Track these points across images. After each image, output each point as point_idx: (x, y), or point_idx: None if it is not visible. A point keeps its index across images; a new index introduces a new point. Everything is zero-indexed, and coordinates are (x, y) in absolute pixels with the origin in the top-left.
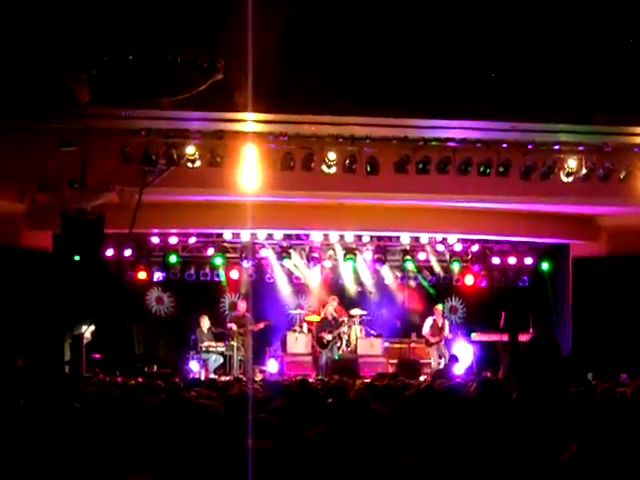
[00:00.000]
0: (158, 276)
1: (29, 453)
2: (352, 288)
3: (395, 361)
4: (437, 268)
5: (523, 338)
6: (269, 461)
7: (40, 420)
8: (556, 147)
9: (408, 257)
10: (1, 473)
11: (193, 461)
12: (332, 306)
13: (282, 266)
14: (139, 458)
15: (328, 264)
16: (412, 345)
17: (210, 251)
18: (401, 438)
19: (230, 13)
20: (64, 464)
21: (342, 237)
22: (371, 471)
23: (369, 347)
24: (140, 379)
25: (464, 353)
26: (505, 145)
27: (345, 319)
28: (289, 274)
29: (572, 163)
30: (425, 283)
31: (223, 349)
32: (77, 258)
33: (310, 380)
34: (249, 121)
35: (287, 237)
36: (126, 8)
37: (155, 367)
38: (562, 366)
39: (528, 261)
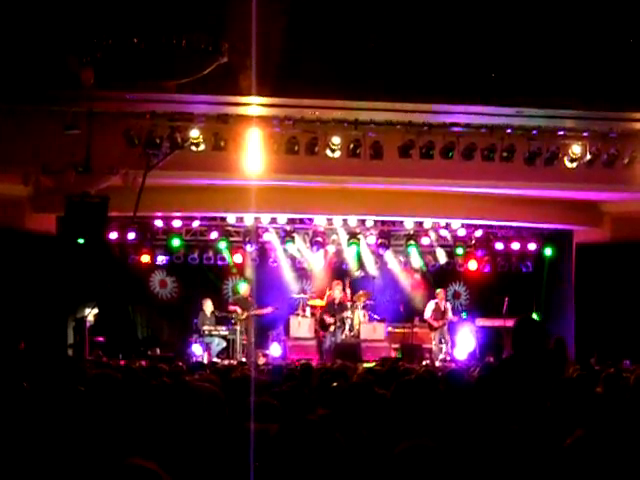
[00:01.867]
0: (162, 259)
1: (32, 436)
2: (355, 272)
3: (397, 345)
4: (440, 253)
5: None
6: (272, 444)
7: (43, 403)
8: (560, 133)
9: (412, 242)
10: (5, 456)
11: (195, 444)
12: (338, 290)
13: (285, 250)
14: (142, 441)
15: (332, 248)
16: (415, 330)
17: (214, 235)
18: (404, 421)
19: None
20: (67, 447)
21: (346, 221)
22: (374, 454)
23: (372, 332)
24: (143, 362)
25: (467, 338)
26: (509, 130)
27: (348, 304)
28: (292, 258)
29: (576, 149)
30: (423, 267)
31: (226, 333)
32: (81, 241)
33: (313, 364)
34: (253, 105)
35: (291, 221)
36: None
37: (158, 350)
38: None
39: (531, 247)
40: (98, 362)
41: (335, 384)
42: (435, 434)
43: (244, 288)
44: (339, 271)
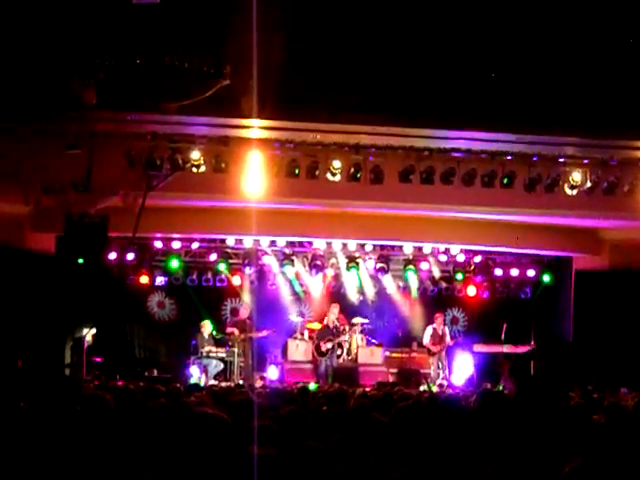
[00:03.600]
0: (160, 280)
1: (29, 454)
2: (354, 297)
3: (395, 370)
4: (439, 278)
5: (523, 350)
6: (272, 468)
7: (40, 422)
8: (561, 160)
9: (410, 267)
10: (2, 474)
11: (194, 467)
12: (333, 314)
13: (284, 273)
14: (139, 462)
15: (330, 272)
16: (413, 354)
17: (213, 257)
18: (402, 448)
19: (237, 20)
20: (64, 466)
21: (345, 245)
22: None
23: (370, 356)
24: (140, 383)
25: (464, 364)
26: (510, 157)
27: (346, 327)
28: (291, 281)
29: (577, 176)
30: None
31: (224, 355)
32: (80, 261)
33: (311, 388)
34: (254, 127)
35: (290, 244)
36: (134, 13)
37: (155, 371)
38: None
39: (530, 273)
40: (95, 382)
41: (327, 408)
42: (433, 460)
43: (243, 312)
44: (337, 295)
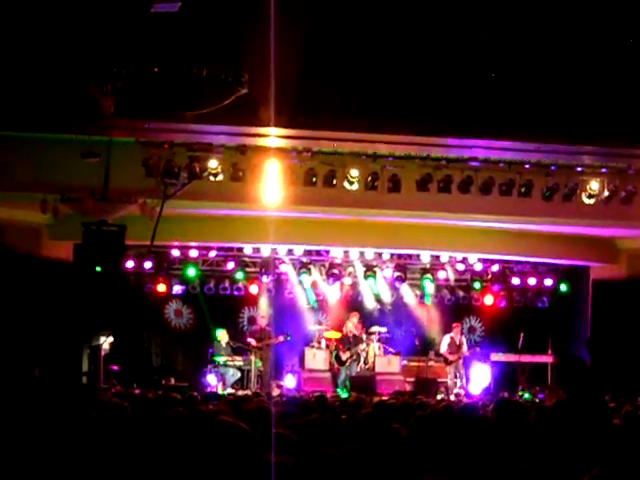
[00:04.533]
0: (177, 289)
1: (48, 461)
2: (371, 305)
3: (412, 379)
4: (456, 287)
5: (541, 359)
6: (289, 476)
7: (59, 429)
8: (579, 169)
9: (428, 275)
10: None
11: (211, 475)
12: (352, 322)
13: (301, 282)
14: (157, 469)
15: (348, 281)
16: (430, 363)
17: (230, 265)
18: (421, 457)
19: (254, 28)
20: (83, 473)
21: (362, 254)
22: None
23: (387, 365)
24: (158, 391)
25: (481, 373)
26: (527, 166)
27: (364, 336)
28: (308, 290)
29: (594, 185)
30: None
31: (241, 363)
32: (98, 269)
33: (328, 396)
34: (272, 136)
35: (307, 253)
36: (152, 22)
37: (172, 380)
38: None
39: (548, 282)
40: (113, 390)
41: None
42: (451, 469)
43: (260, 321)
44: (355, 304)
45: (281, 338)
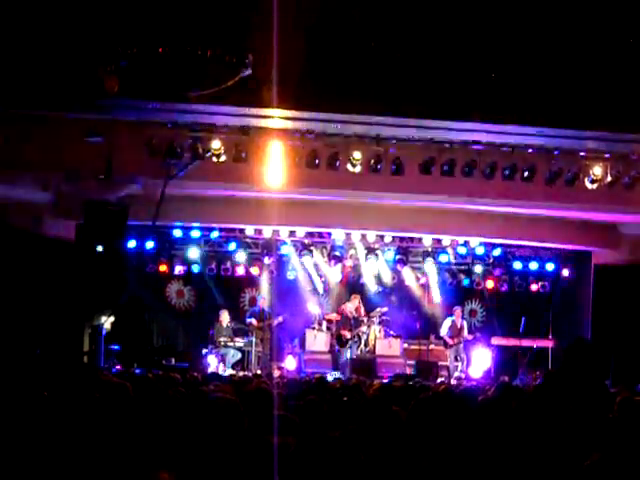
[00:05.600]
0: (179, 269)
1: (49, 442)
2: (372, 288)
3: (413, 362)
4: (458, 271)
5: (542, 344)
6: (291, 458)
7: (60, 409)
8: (582, 154)
9: (429, 259)
10: (20, 461)
11: (212, 456)
12: (353, 304)
13: (303, 264)
14: (158, 450)
15: (349, 263)
16: (431, 347)
17: (232, 246)
18: (420, 440)
19: (258, 10)
20: (82, 455)
21: (364, 237)
22: (392, 472)
23: (387, 347)
24: (158, 372)
25: (482, 357)
26: (531, 150)
27: (365, 319)
28: (310, 272)
29: (597, 170)
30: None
31: (242, 344)
32: (99, 249)
33: (328, 378)
34: (275, 117)
35: (309, 235)
36: (157, 2)
37: (173, 360)
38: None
39: (550, 267)
40: (113, 370)
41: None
42: (451, 452)
43: (261, 302)
44: (356, 286)
45: (280, 319)
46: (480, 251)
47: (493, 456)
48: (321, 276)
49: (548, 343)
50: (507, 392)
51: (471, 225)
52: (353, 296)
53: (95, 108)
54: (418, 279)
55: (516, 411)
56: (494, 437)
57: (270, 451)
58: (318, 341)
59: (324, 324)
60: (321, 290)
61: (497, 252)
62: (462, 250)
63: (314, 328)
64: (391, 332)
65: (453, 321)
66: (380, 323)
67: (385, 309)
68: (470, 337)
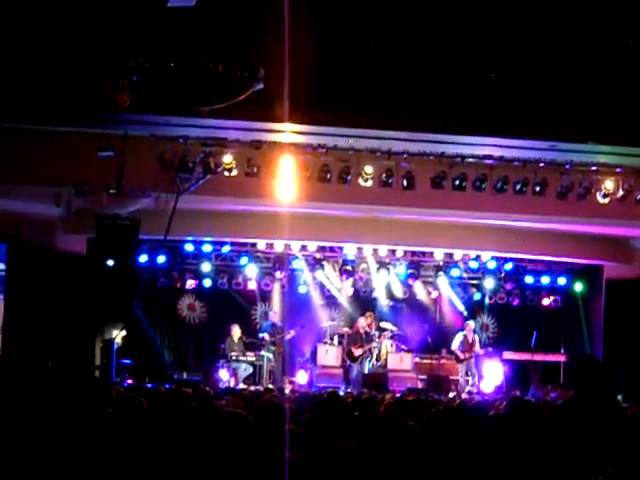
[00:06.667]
0: (191, 283)
1: (62, 455)
2: (384, 302)
3: (424, 377)
4: (469, 285)
5: (554, 358)
6: (303, 473)
7: (72, 423)
8: (593, 168)
9: (441, 273)
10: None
11: (223, 471)
12: (366, 321)
13: (314, 278)
14: (171, 465)
15: (361, 277)
16: (442, 361)
17: (243, 260)
18: (432, 454)
19: (270, 24)
20: (95, 468)
21: (376, 251)
22: None
23: (399, 362)
24: (169, 386)
25: (494, 371)
26: (542, 164)
27: (376, 333)
28: (321, 286)
29: (609, 184)
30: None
31: (253, 359)
32: (110, 263)
33: (340, 393)
34: (287, 132)
35: (321, 249)
36: (168, 16)
37: (185, 374)
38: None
39: (561, 281)
40: (125, 384)
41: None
42: (464, 467)
43: (273, 316)
44: (367, 300)
45: (292, 333)
46: (492, 265)
47: (506, 471)
48: (332, 290)
49: (560, 358)
50: (519, 407)
51: (483, 239)
52: (368, 313)
53: (107, 123)
54: (429, 293)
55: (529, 426)
56: (507, 452)
57: (281, 465)
58: (329, 355)
59: (336, 338)
60: (332, 305)
61: (509, 266)
62: (474, 264)
63: (326, 342)
64: (402, 346)
65: (465, 335)
66: (391, 337)
67: (395, 328)
68: (482, 351)
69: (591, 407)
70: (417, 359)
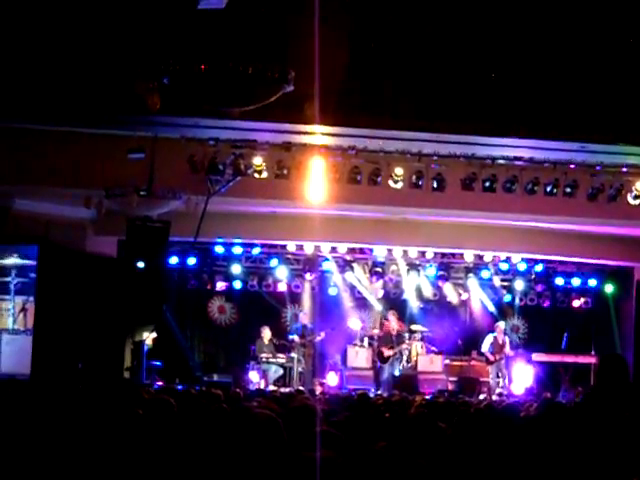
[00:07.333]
0: (221, 285)
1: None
2: (414, 304)
3: (455, 378)
4: (500, 287)
5: (584, 360)
6: (335, 473)
7: (102, 425)
8: (624, 169)
9: (471, 275)
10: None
11: (254, 472)
12: (394, 321)
13: (344, 280)
14: (201, 467)
15: (391, 279)
16: (472, 363)
17: (273, 262)
18: (464, 456)
19: (300, 26)
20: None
21: (406, 252)
22: None
23: (429, 364)
24: (200, 387)
25: (524, 373)
26: (573, 166)
27: (406, 335)
28: (351, 288)
29: None
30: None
31: (283, 361)
32: (141, 265)
33: (370, 395)
34: (317, 134)
35: (351, 251)
36: (198, 19)
37: (215, 376)
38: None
39: (592, 283)
40: (155, 386)
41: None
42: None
43: (303, 318)
44: (397, 302)
45: (322, 335)
46: (522, 267)
47: (537, 474)
48: (362, 292)
49: (590, 359)
50: (550, 409)
51: (513, 241)
52: (390, 312)
53: (137, 125)
54: (460, 295)
55: (560, 428)
56: (538, 454)
57: (313, 467)
58: (360, 357)
59: (366, 340)
60: (362, 306)
61: (539, 268)
62: (504, 266)
63: (356, 344)
64: (432, 348)
65: (495, 337)
66: (422, 339)
67: (425, 329)
68: (512, 353)
69: (609, 404)
70: (447, 361)
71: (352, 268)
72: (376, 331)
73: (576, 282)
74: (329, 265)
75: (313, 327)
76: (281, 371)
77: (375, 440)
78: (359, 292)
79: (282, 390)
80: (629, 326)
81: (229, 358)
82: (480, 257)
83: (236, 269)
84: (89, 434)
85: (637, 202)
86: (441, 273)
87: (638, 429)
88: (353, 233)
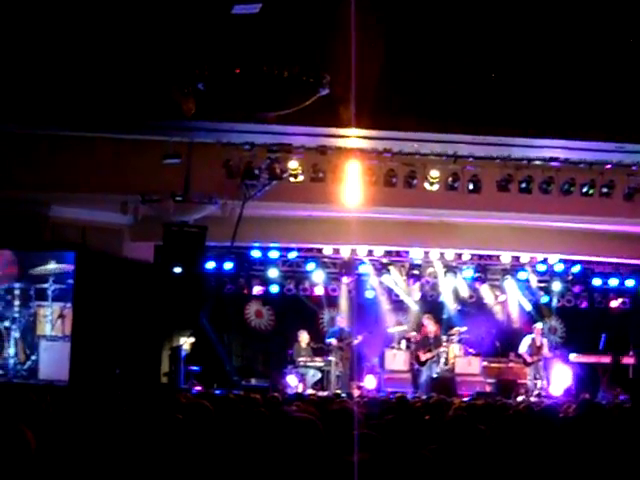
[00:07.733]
0: (258, 290)
1: (129, 461)
2: (451, 306)
3: (492, 380)
4: (537, 288)
5: (622, 361)
6: (374, 477)
7: (140, 429)
8: None
9: (508, 276)
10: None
11: (293, 475)
12: (430, 325)
13: (381, 283)
14: (239, 470)
15: (428, 282)
16: (510, 365)
17: (310, 266)
18: (505, 458)
19: (336, 29)
20: (165, 473)
21: (442, 255)
22: None
23: (467, 366)
24: (238, 392)
25: (562, 374)
26: (609, 166)
27: (443, 337)
28: (388, 291)
29: None
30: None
31: (321, 364)
32: (178, 270)
33: (408, 397)
34: (352, 137)
35: (387, 254)
36: (233, 23)
37: (253, 381)
38: None
39: (629, 283)
40: (193, 391)
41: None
42: (536, 471)
43: (340, 322)
44: (435, 304)
45: (360, 338)
46: (559, 268)
47: (577, 474)
48: (399, 295)
49: (629, 360)
50: (590, 410)
51: (550, 242)
52: (426, 316)
53: (172, 130)
54: (497, 297)
55: (599, 429)
56: (578, 455)
57: (352, 470)
58: (397, 360)
59: (403, 343)
60: (400, 309)
61: (576, 269)
62: (541, 267)
63: (393, 347)
64: (470, 350)
65: (533, 339)
66: (459, 341)
67: (464, 329)
68: (550, 354)
69: None
70: (485, 363)
71: (389, 271)
72: (413, 334)
73: (613, 282)
74: (366, 268)
75: (350, 330)
76: (319, 375)
77: (416, 443)
78: (396, 295)
79: (320, 394)
80: None
81: (267, 362)
82: (517, 258)
83: (273, 273)
84: (128, 439)
85: None
86: (478, 275)
87: None
88: (389, 236)
